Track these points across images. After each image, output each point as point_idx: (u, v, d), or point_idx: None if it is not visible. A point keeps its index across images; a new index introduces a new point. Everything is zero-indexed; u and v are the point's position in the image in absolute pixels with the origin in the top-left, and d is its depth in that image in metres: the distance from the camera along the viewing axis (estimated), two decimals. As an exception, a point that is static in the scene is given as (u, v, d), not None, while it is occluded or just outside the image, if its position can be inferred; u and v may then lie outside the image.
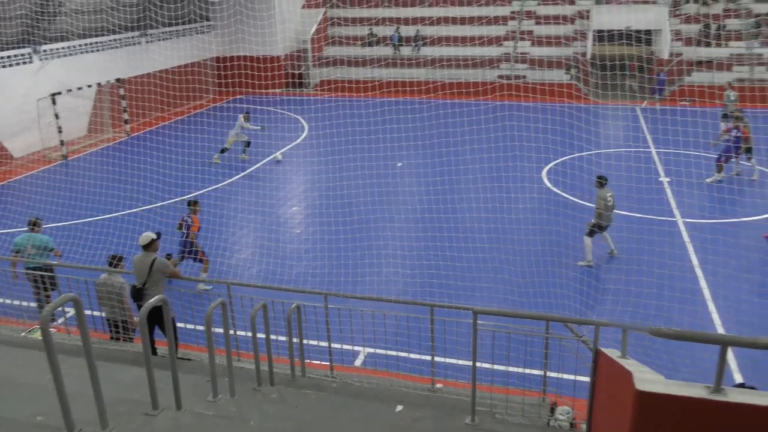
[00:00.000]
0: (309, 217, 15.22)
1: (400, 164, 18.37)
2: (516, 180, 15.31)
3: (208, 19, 30.12)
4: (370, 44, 32.34)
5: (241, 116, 19.49)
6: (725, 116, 18.88)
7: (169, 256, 9.16)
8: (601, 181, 12.15)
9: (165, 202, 15.81)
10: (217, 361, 6.16)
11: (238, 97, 29.00)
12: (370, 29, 32.69)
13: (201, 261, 11.60)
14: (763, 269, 11.08)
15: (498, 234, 12.99)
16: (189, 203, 11.83)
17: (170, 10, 25.62)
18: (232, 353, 6.90)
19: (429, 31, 31.46)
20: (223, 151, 19.54)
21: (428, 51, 30.87)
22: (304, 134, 23.15)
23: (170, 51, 26.59)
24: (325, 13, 33.73)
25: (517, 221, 13.57)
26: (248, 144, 19.65)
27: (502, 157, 16.85)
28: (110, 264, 8.66)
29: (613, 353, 6.86)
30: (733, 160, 16.31)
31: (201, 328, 7.98)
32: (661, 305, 10.03)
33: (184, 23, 28.57)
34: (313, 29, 32.55)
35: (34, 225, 10.21)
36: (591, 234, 12.08)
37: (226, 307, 6.74)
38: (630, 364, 5.41)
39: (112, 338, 8.59)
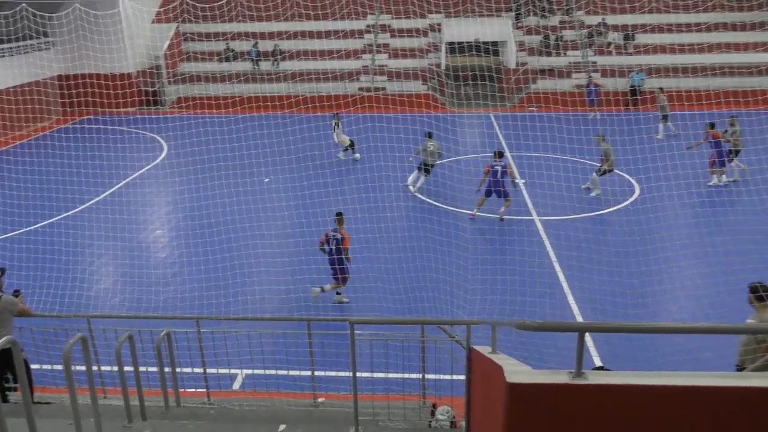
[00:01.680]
0: (174, 240, 14.60)
1: (267, 180, 18.12)
2: (383, 190, 15.67)
3: (46, 35, 27.99)
4: (228, 59, 31.67)
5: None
6: (665, 118, 21.58)
7: (17, 293, 8.32)
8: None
9: (8, 234, 14.45)
10: (81, 401, 5.71)
11: (87, 117, 27.19)
12: (227, 44, 32.04)
13: (339, 279, 11.08)
14: (610, 260, 12.13)
15: (369, 244, 13.19)
16: (336, 215, 11.37)
17: (2, 26, 23.51)
18: (96, 391, 6.42)
19: (287, 45, 31.42)
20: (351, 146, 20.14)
21: (288, 65, 30.80)
22: (164, 154, 22.17)
23: (5, 70, 24.42)
24: (178, 28, 32.60)
25: (387, 230, 13.85)
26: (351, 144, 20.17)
27: (368, 168, 17.17)
28: None
29: (484, 350, 7.19)
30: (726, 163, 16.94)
31: (60, 367, 7.35)
32: (526, 300, 10.68)
33: (17, 39, 26.33)
34: (166, 45, 31.34)
35: None
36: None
37: (86, 342, 6.28)
38: (500, 358, 5.69)
39: None
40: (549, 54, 30.07)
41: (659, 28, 30.16)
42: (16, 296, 7.99)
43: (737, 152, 17.16)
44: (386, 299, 10.97)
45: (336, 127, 20.73)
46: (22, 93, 25.30)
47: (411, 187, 17.11)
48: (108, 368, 8.14)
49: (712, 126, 17.09)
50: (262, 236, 13.84)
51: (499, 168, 14.94)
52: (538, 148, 19.13)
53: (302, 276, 11.79)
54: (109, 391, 7.78)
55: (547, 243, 13.67)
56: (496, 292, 11.00)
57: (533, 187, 16.74)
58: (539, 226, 14.68)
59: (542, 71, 29.46)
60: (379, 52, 31.50)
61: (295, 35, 30.90)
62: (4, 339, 4.97)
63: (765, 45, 28.80)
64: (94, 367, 7.52)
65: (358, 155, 20.52)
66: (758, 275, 7.83)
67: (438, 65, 30.15)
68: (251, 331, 7.97)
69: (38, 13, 22.45)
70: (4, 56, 25.60)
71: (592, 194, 16.40)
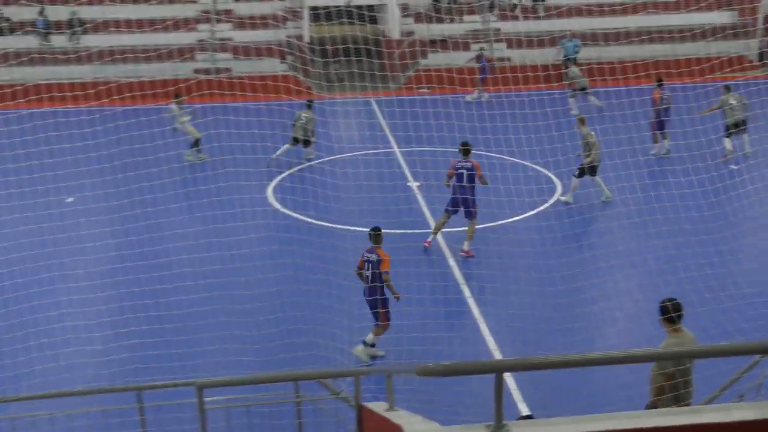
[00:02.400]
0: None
1: (71, 199, 17.34)
2: (233, 205, 15.45)
3: None
4: (1, 32, 30.12)
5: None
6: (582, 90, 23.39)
7: None
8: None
9: None
10: None
11: None
12: (0, 12, 30.50)
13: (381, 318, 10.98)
14: (530, 277, 12.68)
15: (219, 278, 12.95)
16: (372, 232, 11.35)
17: None
18: None
19: (90, 12, 30.33)
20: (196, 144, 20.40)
21: (92, 40, 29.71)
22: None
23: None
24: None
25: (242, 258, 13.67)
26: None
27: (212, 176, 16.90)
28: None
29: (379, 407, 7.26)
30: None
31: None
32: (428, 337, 10.90)
33: None
34: None
35: None
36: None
37: None
38: (399, 416, 5.78)
39: None
40: (441, 20, 31.08)
41: (574, -14, 32.10)
42: None
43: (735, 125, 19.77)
44: (245, 351, 10.80)
45: (176, 109, 20.72)
46: None
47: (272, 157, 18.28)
48: None
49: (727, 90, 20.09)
50: (65, 278, 13.17)
51: (464, 171, 14.40)
52: (434, 141, 19.66)
53: (128, 328, 11.36)
54: None
55: (451, 261, 14.04)
56: (391, 328, 11.16)
57: (429, 191, 17.17)
58: (440, 240, 15.05)
59: (434, 42, 30.39)
60: (219, 20, 31.19)
61: (100, 0, 29.93)
62: None
63: (700, 3, 31.36)
64: None
65: (205, 156, 20.52)
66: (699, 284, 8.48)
67: (300, 37, 30.31)
68: (55, 412, 7.57)
69: None
70: None
71: (563, 198, 17.22)
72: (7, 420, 7.55)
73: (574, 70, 25.47)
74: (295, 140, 19.92)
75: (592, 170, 16.89)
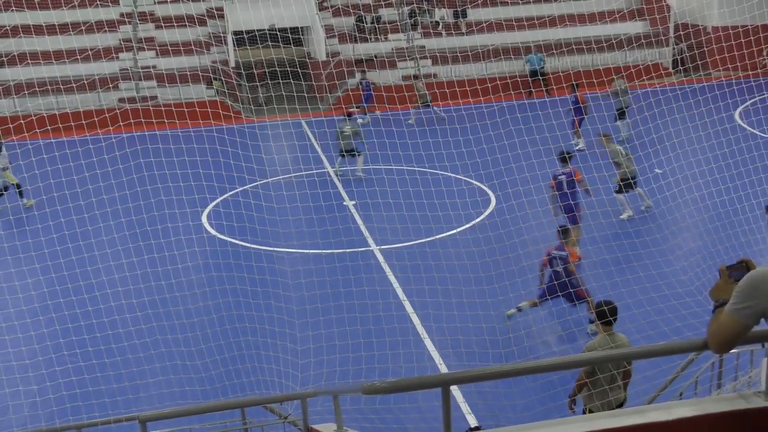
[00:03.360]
0: None
1: (-6, 237, 16.85)
2: (168, 233, 15.22)
3: None
4: None
5: None
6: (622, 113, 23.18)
7: None
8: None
9: None
10: None
11: None
12: None
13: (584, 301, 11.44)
14: (470, 289, 12.78)
15: (157, 308, 12.71)
16: (560, 229, 12.06)
17: None
18: None
19: (6, 45, 29.57)
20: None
21: (8, 73, 29.04)
22: None
23: None
24: None
25: (180, 286, 13.46)
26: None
27: (143, 206, 16.58)
28: None
29: (328, 429, 7.24)
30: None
31: None
32: (373, 355, 10.91)
33: None
34: None
35: None
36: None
37: None
38: (349, 436, 5.77)
39: None
40: (366, 40, 31.34)
41: (492, 2, 32.74)
42: None
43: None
44: (189, 381, 10.62)
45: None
46: None
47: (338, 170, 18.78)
48: None
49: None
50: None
51: (563, 178, 14.79)
52: (367, 159, 19.79)
53: (63, 366, 11.05)
54: None
55: (391, 278, 14.10)
56: (335, 349, 11.12)
57: (365, 208, 17.23)
58: (379, 257, 15.10)
59: (360, 62, 30.59)
60: (141, 49, 30.78)
61: (15, 31, 29.21)
62: None
63: (613, 14, 32.35)
64: None
65: (29, 201, 20.10)
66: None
67: (225, 62, 30.16)
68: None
69: None
70: None
71: (622, 216, 16.75)
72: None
73: (419, 84, 27.04)
74: (343, 153, 20.77)
75: (628, 186, 16.76)
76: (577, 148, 21.25)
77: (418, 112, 26.15)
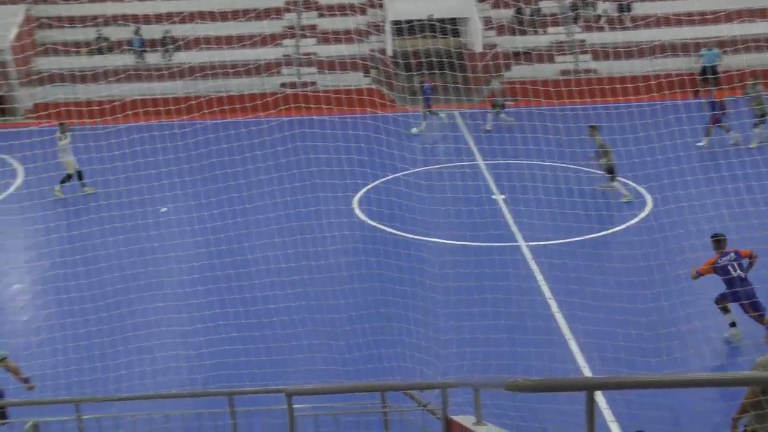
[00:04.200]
0: (40, 296, 14.29)
1: (164, 209, 17.85)
2: (320, 216, 15.67)
3: None
4: (101, 51, 31.30)
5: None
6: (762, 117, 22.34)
7: None
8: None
9: None
10: None
11: None
12: (99, 31, 31.67)
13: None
14: (621, 294, 12.41)
15: (306, 288, 13.13)
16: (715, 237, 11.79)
17: None
18: None
19: (182, 30, 31.27)
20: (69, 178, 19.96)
21: (184, 57, 30.60)
22: (18, 181, 21.64)
23: None
24: (29, 10, 32.11)
25: (329, 268, 13.83)
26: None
27: (298, 188, 17.14)
28: None
29: (467, 420, 7.23)
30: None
31: None
32: (516, 351, 10.80)
33: None
34: (13, 34, 30.77)
35: None
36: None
37: None
38: (487, 430, 5.75)
39: None
40: (524, 32, 30.89)
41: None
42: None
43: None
44: (334, 360, 10.92)
45: (61, 140, 20.57)
46: None
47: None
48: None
49: None
50: (161, 285, 13.59)
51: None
52: (518, 154, 19.55)
53: (220, 335, 11.64)
54: None
55: (538, 276, 13.89)
56: (477, 342, 11.10)
57: (516, 203, 17.05)
58: (527, 253, 14.91)
59: (517, 55, 30.19)
60: (304, 36, 31.72)
61: (192, 17, 30.81)
62: None
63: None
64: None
65: (91, 189, 20.39)
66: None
67: (383, 51, 30.55)
68: (153, 413, 7.81)
69: None
70: None
71: (623, 200, 17.64)
72: (110, 419, 7.82)
73: (495, 84, 26.26)
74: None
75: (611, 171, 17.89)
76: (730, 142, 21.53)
77: (495, 116, 25.35)
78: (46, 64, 30.85)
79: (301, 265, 13.73)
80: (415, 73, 26.97)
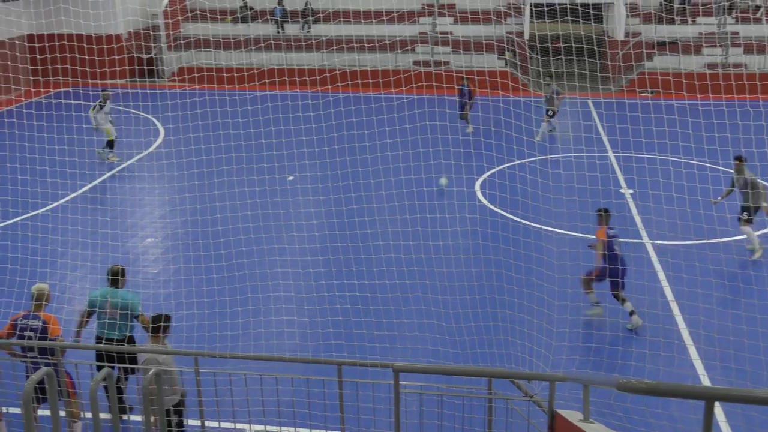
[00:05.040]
0: (169, 252, 14.91)
1: (291, 177, 18.30)
2: (442, 196, 15.66)
3: (14, -18, 29.08)
4: (245, 20, 32.27)
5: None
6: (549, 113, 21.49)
7: None
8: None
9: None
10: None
11: (63, 89, 28.02)
12: (244, 1, 32.63)
13: None
14: (752, 303, 11.81)
15: (422, 267, 13.18)
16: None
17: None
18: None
19: (322, 3, 31.78)
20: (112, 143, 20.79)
21: (322, 29, 31.15)
22: (159, 139, 22.64)
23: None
24: (183, -23, 33.42)
25: (446, 249, 13.81)
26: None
27: (423, 166, 17.18)
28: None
29: (573, 416, 7.09)
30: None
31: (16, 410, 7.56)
32: (629, 351, 10.49)
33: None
34: (166, 0, 32.12)
35: (116, 275, 9.39)
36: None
37: (53, 379, 6.47)
38: (595, 429, 5.61)
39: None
40: (671, 22, 29.64)
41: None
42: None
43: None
44: (443, 341, 10.93)
45: (97, 109, 20.97)
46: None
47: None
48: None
49: None
50: (283, 251, 13.96)
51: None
52: (653, 148, 18.81)
53: (333, 306, 11.86)
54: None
55: (661, 276, 13.40)
56: (591, 338, 10.86)
57: (644, 199, 16.47)
58: (651, 252, 14.41)
59: (661, 45, 29.06)
60: (441, 14, 31.61)
61: (333, -10, 31.27)
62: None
63: None
64: (61, 412, 7.71)
65: (114, 158, 20.86)
66: None
67: (520, 34, 30.07)
68: (265, 374, 8.04)
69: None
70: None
71: (754, 257, 14.34)
72: (225, 375, 8.11)
73: (553, 89, 22.95)
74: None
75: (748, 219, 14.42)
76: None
77: (550, 125, 23.04)
78: (192, 30, 32.14)
79: (419, 244, 13.78)
80: (551, 58, 26.39)
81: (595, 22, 30.74)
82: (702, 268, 13.18)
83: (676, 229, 14.46)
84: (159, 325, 8.31)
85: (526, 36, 30.23)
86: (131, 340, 9.31)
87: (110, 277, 9.45)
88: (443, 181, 11.22)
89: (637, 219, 15.93)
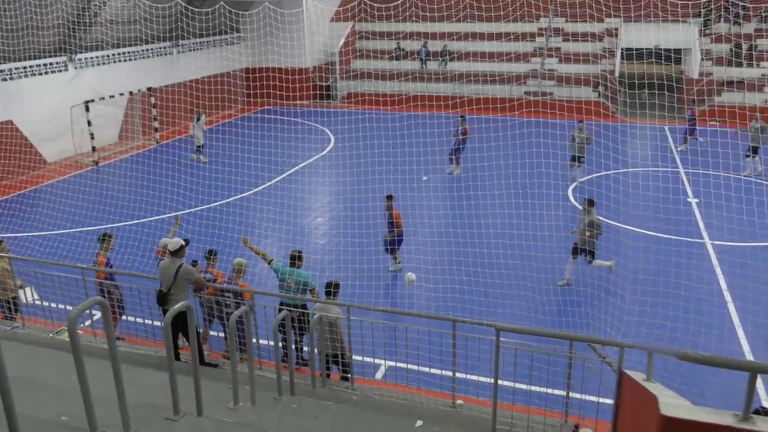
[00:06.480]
0: (333, 228, 15.29)
1: (425, 178, 18.35)
2: (542, 197, 15.21)
3: (238, 31, 30.58)
4: (398, 58, 32.50)
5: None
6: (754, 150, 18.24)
7: (194, 263, 9.21)
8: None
9: (192, 210, 16.00)
10: (240, 369, 6.19)
11: (267, 107, 29.31)
12: (398, 43, 32.87)
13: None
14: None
15: (522, 251, 12.88)
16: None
17: (201, 21, 26.07)
18: (254, 362, 6.93)
19: (456, 46, 31.53)
20: (200, 148, 21.18)
21: (455, 66, 30.91)
22: (330, 146, 23.30)
23: (200, 61, 27.05)
24: (354, 26, 34.01)
25: (542, 238, 13.44)
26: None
27: (528, 173, 16.76)
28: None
29: (637, 376, 6.73)
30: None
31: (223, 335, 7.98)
32: (687, 329, 9.85)
33: (214, 34, 29.06)
34: (342, 42, 32.83)
35: (296, 259, 9.31)
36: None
37: (249, 315, 6.79)
38: (655, 387, 5.30)
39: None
40: (739, 64, 27.37)
41: None
42: (194, 266, 8.81)
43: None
44: (536, 309, 10.68)
45: (195, 121, 21.26)
46: (215, 83, 27.88)
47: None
48: (265, 342, 8.76)
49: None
50: (416, 233, 14.03)
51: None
52: (717, 166, 17.56)
53: (451, 276, 11.82)
54: (264, 363, 8.33)
55: (718, 270, 12.49)
56: (656, 315, 10.27)
57: (708, 207, 15.37)
58: (711, 250, 13.45)
59: (729, 83, 26.91)
60: (549, 55, 30.61)
61: (465, 36, 30.92)
62: (181, 303, 5.51)
63: None
64: (254, 340, 8.12)
65: (205, 159, 21.03)
66: None
67: (612, 72, 28.65)
68: (398, 324, 8.13)
69: (232, 10, 24.60)
70: (201, 48, 28.36)
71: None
72: (367, 322, 8.21)
73: (755, 125, 18.20)
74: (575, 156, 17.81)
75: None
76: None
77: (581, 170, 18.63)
78: (359, 65, 32.71)
79: (521, 232, 13.47)
80: (637, 92, 25.03)
81: (674, 64, 28.87)
82: (753, 265, 12.17)
83: (733, 232, 13.43)
84: (329, 291, 8.46)
85: (617, 74, 28.76)
86: (304, 306, 9.43)
87: (291, 259, 9.31)
88: (411, 277, 10.75)
89: (700, 223, 14.88)
